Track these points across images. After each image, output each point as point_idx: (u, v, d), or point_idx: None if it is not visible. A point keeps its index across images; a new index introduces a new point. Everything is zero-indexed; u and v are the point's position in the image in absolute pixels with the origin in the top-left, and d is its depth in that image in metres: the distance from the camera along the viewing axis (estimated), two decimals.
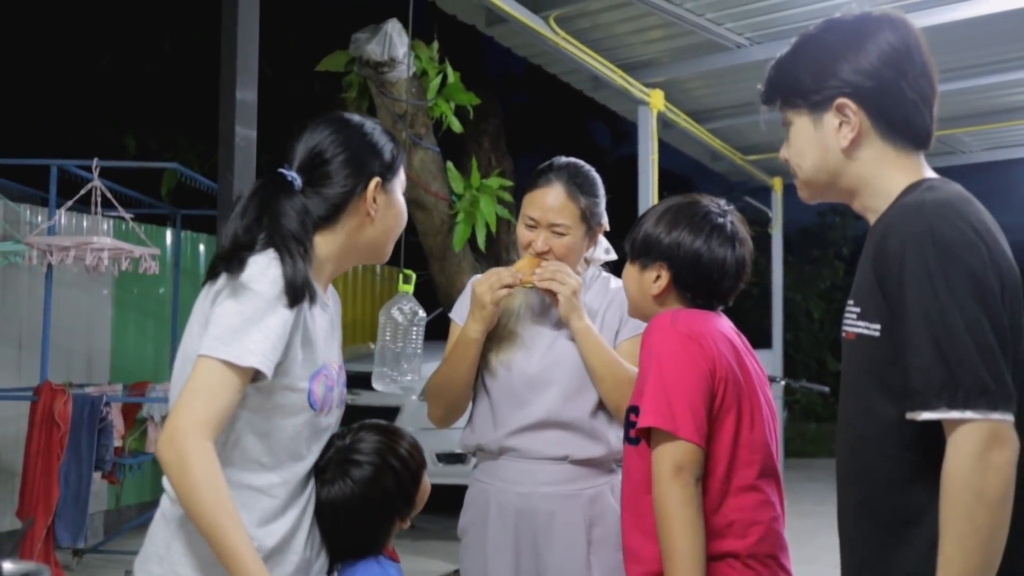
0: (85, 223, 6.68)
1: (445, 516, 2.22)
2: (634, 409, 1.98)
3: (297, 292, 1.69)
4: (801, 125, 1.73)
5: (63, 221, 6.44)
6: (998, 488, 1.44)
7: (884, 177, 1.67)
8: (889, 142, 1.67)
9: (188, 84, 9.75)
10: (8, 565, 1.10)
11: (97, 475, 5.12)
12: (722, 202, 2.14)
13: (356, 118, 1.94)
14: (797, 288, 14.37)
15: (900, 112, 1.66)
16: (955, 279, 1.48)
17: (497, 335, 2.41)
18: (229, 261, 1.70)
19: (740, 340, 2.05)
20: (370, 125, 1.93)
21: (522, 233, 2.44)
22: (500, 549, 2.37)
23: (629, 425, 2.00)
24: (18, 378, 6.12)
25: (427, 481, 2.02)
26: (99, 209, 5.07)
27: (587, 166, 2.49)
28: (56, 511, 4.75)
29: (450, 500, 2.45)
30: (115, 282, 6.94)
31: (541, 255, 2.40)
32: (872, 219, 1.69)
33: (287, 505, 1.77)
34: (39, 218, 6.16)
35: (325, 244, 1.85)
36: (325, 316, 1.85)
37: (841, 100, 1.66)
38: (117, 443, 5.33)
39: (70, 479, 4.84)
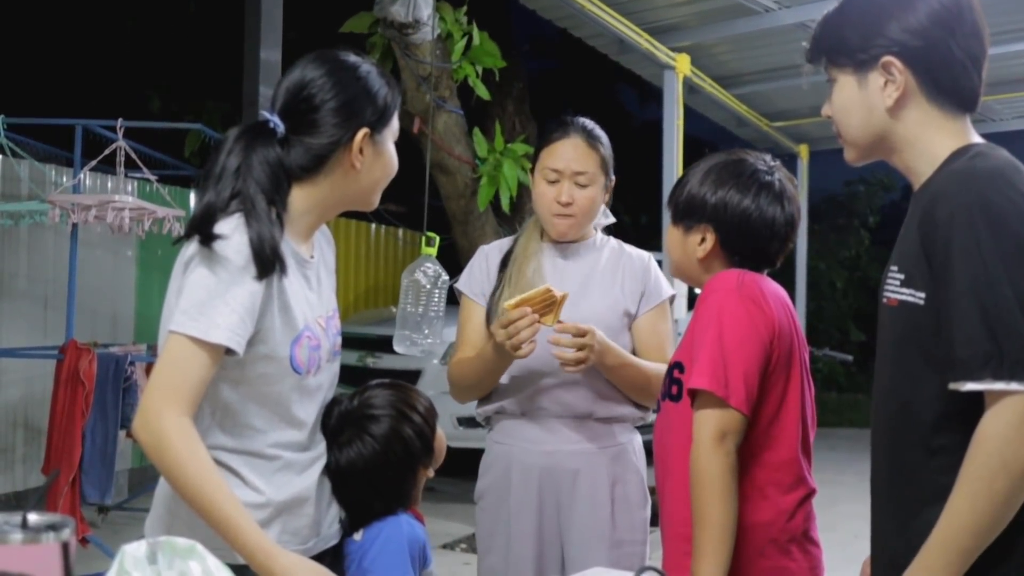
0: (110, 184, 6.70)
1: (465, 479, 2.23)
2: (678, 365, 1.94)
3: (264, 263, 1.62)
4: (845, 83, 1.69)
5: (88, 182, 6.45)
6: None
7: (929, 140, 1.63)
8: (935, 104, 1.63)
9: (213, 45, 9.73)
10: (34, 516, 1.10)
11: (122, 434, 5.16)
12: (768, 158, 2.08)
13: (351, 58, 1.79)
14: (821, 257, 14.26)
15: (948, 73, 1.61)
16: (1005, 249, 1.45)
17: (516, 286, 2.38)
18: (198, 225, 1.63)
19: (792, 308, 2.00)
20: (365, 68, 1.78)
21: (542, 190, 2.41)
22: (523, 510, 2.38)
23: (672, 381, 1.97)
24: (44, 337, 6.18)
25: (441, 432, 2.01)
26: (123, 169, 5.07)
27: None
28: (83, 468, 4.79)
29: (471, 463, 2.46)
30: (140, 244, 6.97)
31: (565, 206, 2.38)
32: (915, 181, 1.65)
33: (293, 464, 1.75)
34: (64, 178, 6.18)
35: (306, 196, 1.76)
36: (305, 272, 1.78)
37: (887, 58, 1.62)
38: None
39: (96, 437, 4.89)
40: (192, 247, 1.64)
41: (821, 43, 1.73)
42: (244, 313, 1.61)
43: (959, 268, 1.47)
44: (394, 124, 1.83)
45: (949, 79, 1.62)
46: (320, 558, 1.74)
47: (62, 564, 0.83)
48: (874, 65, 1.63)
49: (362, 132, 1.73)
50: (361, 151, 1.74)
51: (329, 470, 1.85)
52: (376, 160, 1.78)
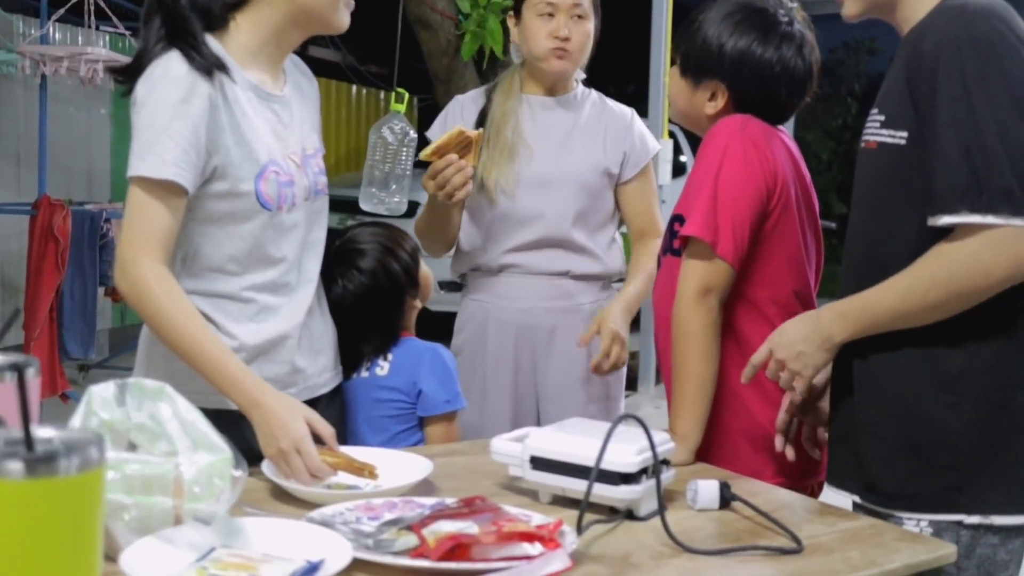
0: (80, 37, 6.48)
1: (445, 342, 2.24)
2: (678, 218, 1.84)
3: (208, 72, 1.59)
4: None
5: (57, 35, 6.25)
6: (975, 285, 1.41)
7: None
8: None
9: None
10: None
11: (101, 291, 5.14)
12: (786, 2, 1.90)
13: None
14: (808, 127, 14.12)
15: None
16: (991, 82, 1.40)
17: (496, 147, 2.32)
18: (130, 70, 1.62)
19: (800, 158, 1.90)
20: None
21: (535, 26, 2.28)
22: (499, 365, 2.37)
23: (672, 235, 1.87)
24: (18, 194, 6.09)
25: (427, 269, 2.14)
26: (93, 20, 4.89)
27: None
28: (64, 324, 4.80)
29: (450, 327, 2.47)
30: (114, 100, 6.80)
31: (564, 41, 2.27)
32: (906, 28, 1.58)
33: (269, 307, 1.72)
34: (32, 30, 5.97)
35: (252, 24, 1.68)
36: (272, 107, 1.71)
37: None
38: None
39: (75, 293, 4.88)
40: (134, 91, 1.62)
41: None
42: (187, 145, 1.58)
43: (943, 99, 1.42)
44: None
45: None
46: (310, 405, 1.68)
47: (19, 399, 0.80)
48: None
49: None
50: None
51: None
52: None
